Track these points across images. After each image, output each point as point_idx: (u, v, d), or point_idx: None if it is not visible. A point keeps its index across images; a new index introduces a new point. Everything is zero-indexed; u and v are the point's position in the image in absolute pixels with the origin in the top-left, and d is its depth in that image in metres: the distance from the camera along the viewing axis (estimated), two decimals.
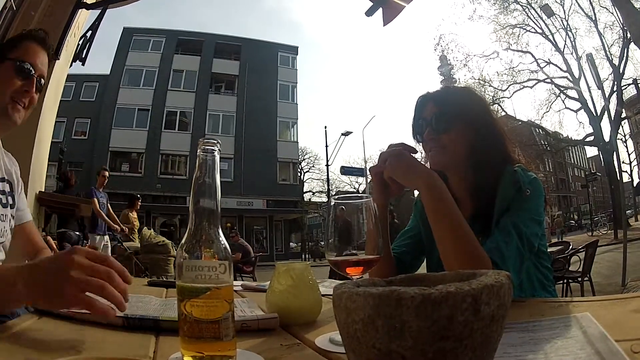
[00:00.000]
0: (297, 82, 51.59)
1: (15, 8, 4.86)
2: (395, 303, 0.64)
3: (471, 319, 0.64)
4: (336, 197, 1.30)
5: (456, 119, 2.06)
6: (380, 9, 5.06)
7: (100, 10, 5.26)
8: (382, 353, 0.66)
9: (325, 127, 50.22)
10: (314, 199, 62.76)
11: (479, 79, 39.66)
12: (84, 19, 5.17)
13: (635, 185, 41.94)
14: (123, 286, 1.24)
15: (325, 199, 55.01)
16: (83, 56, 5.61)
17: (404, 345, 0.64)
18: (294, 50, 53.09)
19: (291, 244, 46.32)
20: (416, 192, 2.04)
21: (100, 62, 50.19)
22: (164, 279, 3.05)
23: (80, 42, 5.23)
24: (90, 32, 5.23)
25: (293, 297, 1.41)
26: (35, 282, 1.21)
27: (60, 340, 1.12)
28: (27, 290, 1.20)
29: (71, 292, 1.16)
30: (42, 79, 2.13)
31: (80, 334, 1.16)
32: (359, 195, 1.27)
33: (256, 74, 48.40)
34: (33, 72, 2.08)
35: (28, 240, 2.32)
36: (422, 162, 1.90)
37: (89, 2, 5.02)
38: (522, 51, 39.21)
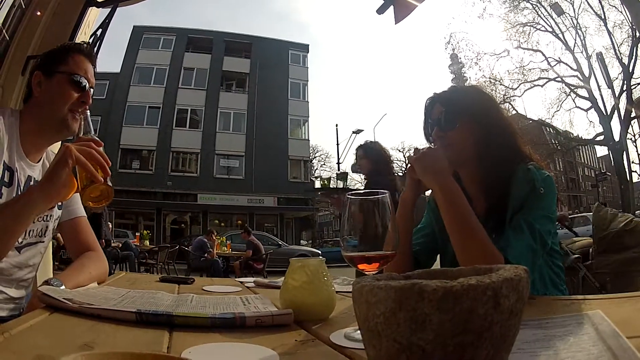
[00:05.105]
0: (308, 80, 51.47)
1: (24, 6, 4.87)
2: (417, 296, 0.64)
3: (491, 312, 0.64)
4: (351, 193, 1.29)
5: (460, 116, 2.09)
6: (392, 7, 5.06)
7: (110, 9, 5.26)
8: (403, 346, 0.66)
9: (337, 125, 50.16)
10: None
11: (489, 78, 39.55)
12: (94, 17, 5.16)
13: None
14: (104, 157, 1.79)
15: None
16: (94, 54, 5.56)
17: (425, 338, 0.64)
18: (304, 48, 53.04)
19: (302, 241, 46.26)
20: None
21: (110, 60, 50.34)
22: None
23: (91, 41, 5.23)
24: (100, 30, 5.22)
25: (307, 293, 1.41)
26: (44, 176, 1.79)
27: (72, 336, 1.11)
28: (38, 189, 1.75)
29: (70, 154, 1.70)
30: (92, 89, 2.20)
31: (92, 330, 1.15)
32: (375, 191, 1.26)
33: (267, 72, 48.35)
34: (87, 84, 2.15)
35: (76, 236, 2.34)
36: (442, 162, 1.94)
37: (99, 0, 5.01)
38: (532, 50, 39.07)
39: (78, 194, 1.85)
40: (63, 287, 1.69)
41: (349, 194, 1.28)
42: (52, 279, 1.72)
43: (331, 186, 5.69)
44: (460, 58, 44.14)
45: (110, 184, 1.79)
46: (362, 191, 1.28)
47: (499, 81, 39.35)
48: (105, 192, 1.80)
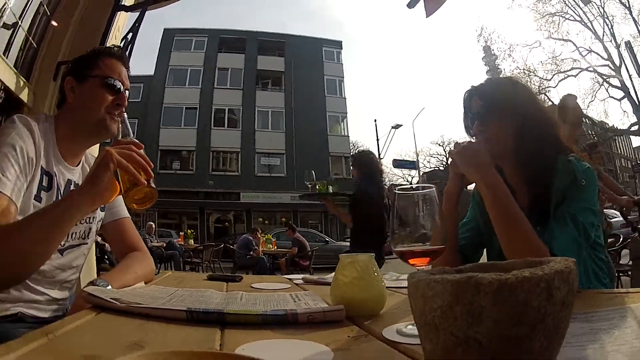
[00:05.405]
0: (343, 77, 51.34)
1: (49, 13, 4.94)
2: (474, 289, 0.65)
3: (544, 304, 0.65)
4: (399, 188, 1.29)
5: (499, 109, 2.09)
6: (421, 1, 5.04)
7: (139, 13, 5.30)
8: (459, 340, 0.66)
9: (375, 121, 50.09)
10: None
11: (523, 69, 39.12)
12: (123, 21, 5.20)
13: None
14: (146, 159, 1.80)
15: None
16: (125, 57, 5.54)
17: (481, 331, 0.64)
18: (337, 44, 52.97)
19: (347, 238, 46.15)
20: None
21: (143, 63, 50.89)
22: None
23: (122, 45, 5.27)
24: (130, 34, 5.26)
25: (358, 289, 1.40)
26: (86, 180, 1.77)
27: (120, 335, 1.12)
28: (80, 193, 1.76)
29: (111, 157, 1.71)
30: (127, 91, 2.20)
31: (141, 329, 1.15)
32: (422, 185, 1.26)
33: (302, 70, 48.45)
34: (121, 86, 2.16)
35: (121, 237, 2.35)
36: (484, 155, 1.95)
37: (127, 5, 5.05)
38: (563, 39, 38.61)
39: (120, 195, 1.86)
40: (109, 287, 1.71)
41: (396, 189, 1.28)
42: (98, 280, 1.74)
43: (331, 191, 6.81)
44: (493, 50, 43.84)
45: (153, 185, 1.80)
46: (408, 186, 1.28)
47: (533, 72, 39.01)
48: (149, 194, 1.81)
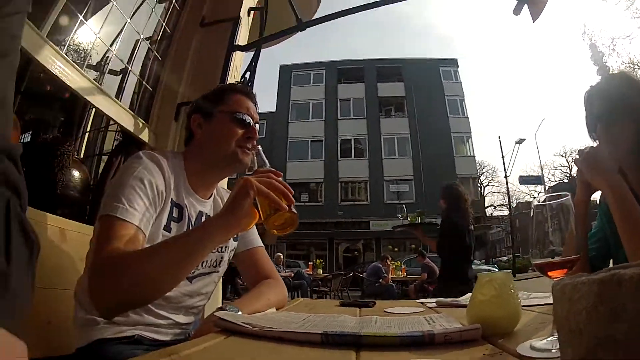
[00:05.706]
0: (464, 95, 50.92)
1: (160, 58, 5.13)
2: (617, 286, 0.64)
3: None
4: (536, 201, 1.29)
5: (622, 111, 2.03)
6: (526, 6, 4.96)
7: (254, 51, 5.40)
8: (601, 341, 0.65)
9: (499, 137, 49.08)
10: (495, 213, 61.31)
11: (629, 63, 36.94)
12: (239, 60, 5.26)
13: None
14: (286, 186, 1.83)
15: (506, 212, 53.69)
16: (251, 92, 5.61)
17: (621, 329, 0.63)
18: (453, 63, 52.74)
19: (475, 260, 45.25)
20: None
21: (262, 99, 52.43)
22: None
23: (241, 83, 5.38)
24: (248, 73, 5.35)
25: (496, 307, 1.38)
26: (224, 208, 1.80)
27: (252, 358, 1.13)
28: (215, 222, 1.80)
29: (251, 185, 1.74)
30: (257, 125, 2.25)
31: (274, 351, 1.16)
32: (557, 194, 1.25)
33: (422, 92, 48.47)
34: (251, 120, 2.21)
35: (254, 266, 2.38)
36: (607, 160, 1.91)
37: (242, 45, 5.14)
38: None
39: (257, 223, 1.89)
40: (240, 312, 1.73)
41: (534, 203, 1.28)
42: (227, 305, 1.77)
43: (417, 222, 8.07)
44: (598, 47, 41.87)
45: (295, 211, 1.82)
46: (547, 195, 1.27)
47: (637, 65, 36.70)
48: (289, 220, 1.83)
